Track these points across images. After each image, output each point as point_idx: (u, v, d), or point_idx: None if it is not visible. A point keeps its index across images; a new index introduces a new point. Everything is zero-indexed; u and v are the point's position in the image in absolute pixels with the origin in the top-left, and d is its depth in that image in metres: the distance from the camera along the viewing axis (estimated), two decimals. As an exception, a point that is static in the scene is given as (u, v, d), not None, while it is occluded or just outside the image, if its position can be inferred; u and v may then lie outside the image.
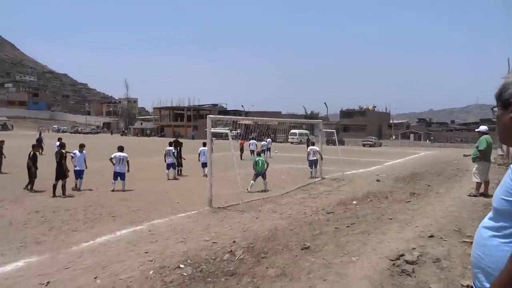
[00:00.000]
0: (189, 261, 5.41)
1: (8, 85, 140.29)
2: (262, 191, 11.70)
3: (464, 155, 28.02)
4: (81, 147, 11.85)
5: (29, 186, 11.30)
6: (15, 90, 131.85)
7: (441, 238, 5.25)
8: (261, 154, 13.11)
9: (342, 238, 5.61)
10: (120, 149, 12.06)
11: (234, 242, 6.22)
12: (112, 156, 11.88)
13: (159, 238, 6.57)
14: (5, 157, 15.34)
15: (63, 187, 10.61)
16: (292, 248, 5.55)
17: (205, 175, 14.32)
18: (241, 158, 22.38)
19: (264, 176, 12.08)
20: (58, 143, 17.37)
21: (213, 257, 5.54)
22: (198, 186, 12.25)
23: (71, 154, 11.58)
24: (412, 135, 76.06)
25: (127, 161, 11.83)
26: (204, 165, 14.86)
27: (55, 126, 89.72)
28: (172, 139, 17.90)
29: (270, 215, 8.34)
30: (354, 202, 9.49)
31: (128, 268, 5.21)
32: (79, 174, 11.47)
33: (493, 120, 1.47)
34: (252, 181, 11.83)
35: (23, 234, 6.89)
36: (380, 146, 50.44)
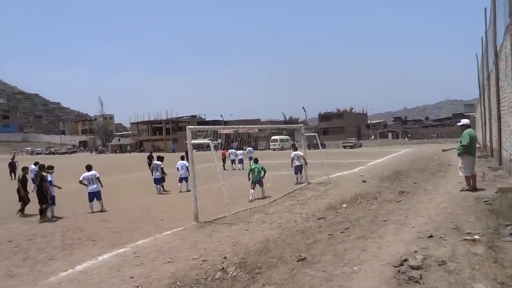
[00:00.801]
0: (178, 283, 5.04)
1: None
2: (261, 198, 11.65)
3: (443, 150, 28.60)
4: (49, 169, 11.17)
5: (21, 210, 10.96)
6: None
7: (441, 237, 5.08)
8: (258, 161, 12.87)
9: (338, 246, 5.36)
10: (88, 168, 11.51)
11: (225, 258, 5.87)
12: (81, 178, 11.31)
13: (144, 260, 6.14)
14: None
15: (43, 211, 10.11)
16: (287, 260, 5.25)
17: (182, 191, 13.95)
18: (224, 169, 22.00)
19: (261, 183, 12.02)
20: (33, 166, 16.58)
21: (204, 277, 5.18)
22: (181, 201, 11.82)
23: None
24: (390, 134, 77.62)
25: (97, 178, 11.27)
26: (180, 180, 14.45)
27: (29, 148, 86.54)
28: (156, 154, 17.33)
29: (259, 226, 8.03)
30: (344, 205, 9.30)
31: (112, 297, 4.79)
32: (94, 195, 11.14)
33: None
34: (251, 190, 11.76)
35: (-7, 268, 6.31)
36: (361, 146, 51.04)
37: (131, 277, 5.40)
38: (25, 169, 11.77)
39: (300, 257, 5.15)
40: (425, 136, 69.88)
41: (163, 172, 14.74)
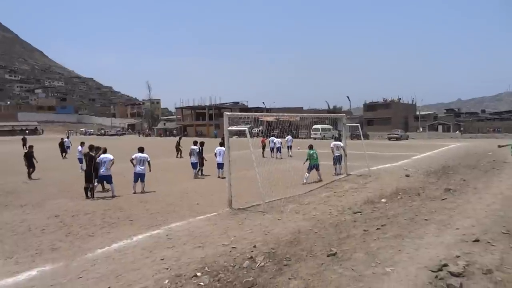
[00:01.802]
0: (206, 268, 5.06)
1: (38, 91, 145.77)
2: (318, 181, 12.58)
3: (499, 146, 26.48)
4: (104, 151, 11.37)
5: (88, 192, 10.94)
6: (44, 95, 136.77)
7: (488, 242, 4.62)
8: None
9: (372, 243, 5.08)
10: (141, 150, 11.85)
11: (254, 247, 5.82)
12: (133, 157, 11.70)
13: (176, 243, 6.26)
14: (37, 161, 15.36)
15: (91, 190, 10.63)
16: (317, 254, 5.07)
17: (220, 177, 14.05)
18: (263, 156, 21.95)
19: (317, 168, 12.91)
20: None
21: (232, 264, 5.16)
22: (219, 187, 11.92)
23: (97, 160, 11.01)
24: (440, 127, 73.18)
25: (148, 162, 11.62)
26: (219, 166, 14.54)
27: (83, 129, 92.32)
28: (199, 139, 17.52)
29: (293, 216, 7.88)
30: (383, 200, 8.89)
31: (143, 277, 4.91)
32: (106, 178, 11.06)
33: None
34: (307, 174, 12.63)
35: (40, 240, 6.75)
36: (407, 139, 48.65)
37: (162, 259, 5.52)
38: (92, 149, 11.50)
39: (331, 252, 4.96)
40: (480, 130, 65.10)
41: (202, 157, 14.96)
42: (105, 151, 11.25)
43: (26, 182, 14.05)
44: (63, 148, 24.34)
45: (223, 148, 14.60)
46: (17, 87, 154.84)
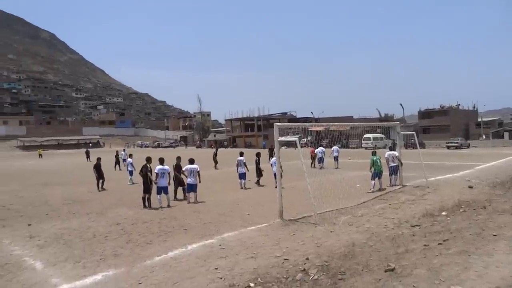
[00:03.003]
0: (259, 279, 5.07)
1: (100, 107, 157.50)
2: (379, 189, 12.52)
3: None
4: (161, 161, 11.72)
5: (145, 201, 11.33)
6: (105, 111, 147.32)
7: None
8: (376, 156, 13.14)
9: (434, 260, 4.77)
10: (191, 161, 12.27)
11: (307, 259, 5.73)
12: (184, 169, 12.14)
13: (229, 253, 6.35)
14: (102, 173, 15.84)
15: (148, 200, 11.19)
16: (374, 269, 4.87)
17: (243, 188, 14.29)
18: (313, 166, 21.63)
19: (380, 176, 12.85)
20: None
21: (284, 276, 5.12)
22: (268, 197, 11.95)
23: (155, 171, 11.44)
24: (506, 134, 67.32)
25: (198, 173, 11.98)
26: (241, 176, 14.78)
27: (139, 142, 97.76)
28: (243, 150, 17.91)
29: (346, 228, 7.67)
30: (443, 213, 8.34)
31: (197, 286, 5.05)
32: (162, 189, 11.32)
33: None
34: (373, 181, 12.69)
35: (103, 246, 7.20)
36: (468, 147, 45.33)
37: (216, 268, 5.62)
38: (148, 160, 11.87)
39: (389, 267, 4.73)
40: (554, 137, 58.92)
41: (259, 168, 15.25)
42: (162, 162, 11.72)
43: (91, 192, 15.08)
44: (117, 160, 25.75)
45: (243, 158, 14.83)
46: (82, 104, 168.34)
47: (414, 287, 3.90)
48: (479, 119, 72.21)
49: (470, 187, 12.28)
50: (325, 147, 23.38)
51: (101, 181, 15.64)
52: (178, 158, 13.01)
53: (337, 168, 21.32)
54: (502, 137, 65.48)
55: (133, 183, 16.91)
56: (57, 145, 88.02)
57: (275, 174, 14.39)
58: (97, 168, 15.72)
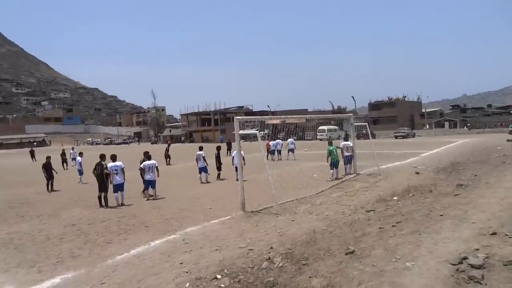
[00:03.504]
0: (225, 271, 5.13)
1: (44, 103, 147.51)
2: (334, 179, 12.88)
3: (508, 140, 26.30)
4: (113, 158, 11.20)
5: (102, 200, 10.86)
6: (51, 107, 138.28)
7: (506, 235, 4.63)
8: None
9: (390, 240, 5.11)
10: (148, 157, 11.97)
11: (271, 248, 5.87)
12: (142, 165, 11.82)
13: (193, 247, 6.33)
14: (56, 172, 15.24)
15: (105, 198, 10.74)
16: (335, 253, 5.12)
17: (203, 182, 14.18)
18: (268, 159, 21.92)
19: (337, 166, 13.26)
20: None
21: (250, 266, 5.22)
22: (228, 191, 12.01)
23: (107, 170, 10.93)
24: (446, 123, 72.75)
25: (156, 168, 11.74)
26: (202, 170, 14.77)
27: (89, 139, 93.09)
28: (202, 144, 17.74)
29: (306, 216, 7.93)
30: (395, 198, 8.90)
31: (163, 281, 4.99)
32: (118, 187, 10.87)
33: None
34: (331, 171, 13.17)
35: (59, 248, 6.86)
36: (414, 136, 48.40)
37: (181, 263, 5.59)
38: (102, 157, 11.29)
39: (349, 250, 5.00)
40: (487, 125, 64.59)
41: (219, 162, 15.30)
42: (114, 159, 11.24)
43: (39, 193, 14.20)
44: (64, 159, 24.54)
45: (202, 152, 14.81)
46: (24, 100, 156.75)
47: (373, 265, 4.17)
48: (423, 110, 77.19)
49: (417, 173, 13.17)
50: (282, 140, 23.79)
51: (50, 181, 14.71)
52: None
53: (294, 159, 21.78)
54: (443, 126, 70.63)
55: (83, 183, 16.16)
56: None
57: (236, 167, 14.48)
58: (46, 167, 14.72)
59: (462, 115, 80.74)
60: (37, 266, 5.95)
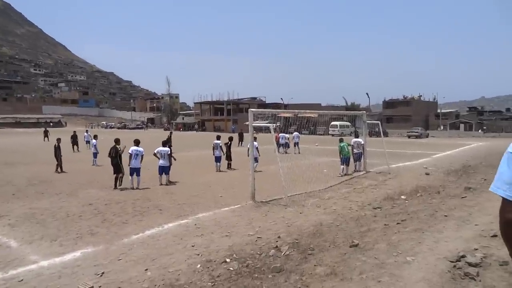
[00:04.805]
0: (234, 255, 5.42)
1: (61, 85, 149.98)
2: (346, 174, 13.20)
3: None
4: (136, 142, 11.66)
5: (117, 182, 11.29)
6: (67, 89, 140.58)
7: (506, 238, 4.82)
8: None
9: (393, 236, 5.34)
10: (163, 143, 12.34)
11: (279, 237, 6.15)
12: (156, 151, 12.20)
13: (204, 232, 6.65)
14: (61, 156, 14.96)
15: (121, 179, 11.27)
16: (340, 245, 5.37)
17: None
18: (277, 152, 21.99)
19: (347, 162, 13.49)
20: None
21: (258, 252, 5.51)
22: (240, 180, 12.31)
23: (129, 151, 11.39)
24: (462, 125, 71.58)
25: (169, 155, 12.11)
26: (217, 159, 15.00)
27: (104, 123, 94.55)
28: (217, 133, 17.97)
29: (314, 210, 8.18)
30: (402, 197, 9.07)
31: (176, 261, 5.31)
32: (135, 171, 11.21)
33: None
34: (342, 166, 13.41)
35: (79, 225, 7.27)
36: (427, 137, 47.94)
37: (192, 246, 5.92)
38: (118, 141, 11.95)
39: (353, 243, 5.24)
40: (504, 130, 63.40)
41: (230, 151, 15.45)
42: (137, 143, 11.68)
43: (58, 172, 14.70)
44: (75, 141, 24.31)
45: (219, 141, 15.00)
46: (42, 80, 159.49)
47: (375, 258, 4.41)
48: (438, 111, 76.08)
49: (427, 174, 13.26)
50: (293, 133, 23.94)
51: (58, 163, 14.75)
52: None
53: (298, 153, 21.92)
54: (458, 128, 69.53)
55: (97, 165, 16.65)
56: (14, 123, 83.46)
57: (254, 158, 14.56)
58: (55, 149, 14.80)
59: (479, 117, 79.26)
60: (58, 240, 6.36)
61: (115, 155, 11.40)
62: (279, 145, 22.46)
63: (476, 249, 4.43)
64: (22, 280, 4.72)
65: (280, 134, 22.84)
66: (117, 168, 11.27)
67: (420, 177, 12.49)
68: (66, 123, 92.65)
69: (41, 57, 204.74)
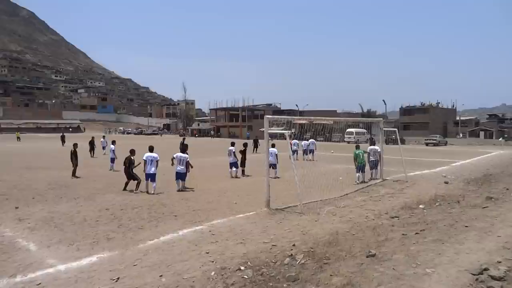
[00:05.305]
0: (249, 263, 5.38)
1: (81, 91, 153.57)
2: (363, 182, 13.12)
3: (547, 155, 25.07)
4: (150, 149, 11.90)
5: (135, 187, 11.58)
6: (86, 95, 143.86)
7: (531, 251, 4.64)
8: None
9: (412, 247, 5.20)
10: (182, 150, 12.44)
11: (293, 245, 6.08)
12: (174, 155, 12.30)
13: (219, 239, 6.64)
14: (77, 162, 15.13)
15: (137, 185, 11.63)
16: (356, 255, 5.26)
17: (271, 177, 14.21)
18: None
19: (363, 170, 13.38)
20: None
21: (273, 261, 5.45)
22: (254, 187, 12.27)
23: (143, 158, 11.63)
24: (482, 133, 69.83)
25: (187, 162, 12.17)
26: (231, 165, 15.05)
27: (121, 128, 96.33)
28: (232, 139, 18.04)
29: (329, 218, 8.07)
30: (420, 206, 8.86)
31: (191, 268, 5.31)
32: (150, 176, 11.44)
33: None
34: (358, 174, 13.32)
35: (95, 230, 7.36)
36: (446, 145, 46.94)
37: (207, 252, 5.91)
38: (132, 152, 12.22)
39: (370, 253, 5.13)
40: (526, 138, 61.41)
41: (245, 158, 15.56)
42: (151, 150, 11.89)
43: (78, 177, 14.93)
44: (92, 147, 24.33)
45: (233, 148, 15.07)
46: (62, 86, 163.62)
47: (393, 269, 4.30)
48: (457, 118, 74.48)
49: (446, 182, 12.94)
50: (308, 140, 23.82)
51: (74, 168, 14.93)
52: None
53: (310, 160, 21.73)
54: (478, 136, 67.85)
55: (114, 170, 16.91)
56: (35, 128, 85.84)
57: (272, 165, 14.40)
58: (71, 154, 15.07)
59: (500, 125, 77.15)
60: (75, 244, 6.45)
61: (129, 165, 11.74)
62: (294, 152, 22.32)
63: (500, 262, 4.26)
64: (40, 283, 4.79)
65: (292, 141, 22.68)
66: (129, 176, 11.65)
67: (439, 186, 12.20)
68: (84, 128, 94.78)
69: (62, 64, 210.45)
